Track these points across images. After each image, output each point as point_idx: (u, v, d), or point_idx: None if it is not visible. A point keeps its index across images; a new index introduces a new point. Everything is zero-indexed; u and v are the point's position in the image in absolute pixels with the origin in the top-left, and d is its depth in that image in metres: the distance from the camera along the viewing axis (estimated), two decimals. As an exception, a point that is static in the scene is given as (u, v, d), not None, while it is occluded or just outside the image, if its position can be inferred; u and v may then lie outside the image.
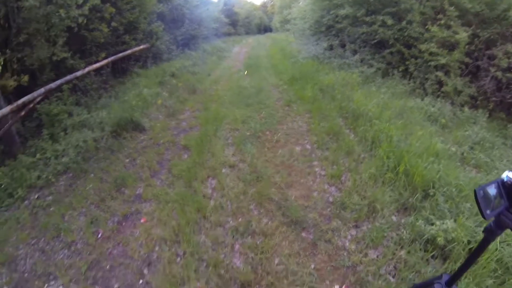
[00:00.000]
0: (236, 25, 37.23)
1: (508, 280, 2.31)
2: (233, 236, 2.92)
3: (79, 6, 6.09)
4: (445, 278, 1.39)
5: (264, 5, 60.87)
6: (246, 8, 44.65)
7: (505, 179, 1.16)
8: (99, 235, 3.06)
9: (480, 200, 1.08)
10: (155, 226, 3.09)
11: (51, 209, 3.49)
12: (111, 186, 3.83)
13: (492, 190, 1.13)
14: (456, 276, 1.36)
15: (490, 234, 1.20)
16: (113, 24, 8.17)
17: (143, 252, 2.78)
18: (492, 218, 1.15)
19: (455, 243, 2.54)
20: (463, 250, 2.51)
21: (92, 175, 4.14)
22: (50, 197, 3.71)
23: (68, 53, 6.22)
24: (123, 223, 3.21)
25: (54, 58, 5.83)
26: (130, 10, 9.17)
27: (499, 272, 2.34)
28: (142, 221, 3.19)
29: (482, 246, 1.26)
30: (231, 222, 3.12)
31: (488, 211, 1.09)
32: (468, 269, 1.38)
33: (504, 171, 3.49)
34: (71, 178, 4.11)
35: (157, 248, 2.82)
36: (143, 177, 4.03)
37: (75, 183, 3.98)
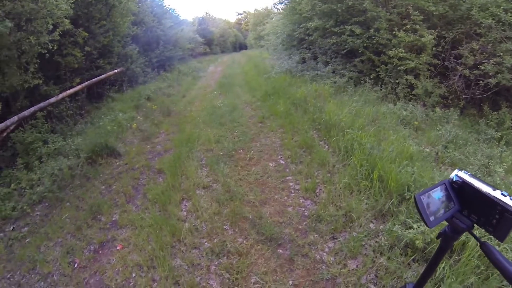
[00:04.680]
0: (212, 44, 37.54)
1: (491, 275, 2.30)
2: (209, 258, 2.95)
3: (50, 32, 6.10)
4: (409, 287, 1.38)
5: (238, 22, 61.80)
6: (221, 27, 45.05)
7: (454, 179, 1.10)
8: (76, 265, 3.08)
9: (422, 207, 1.01)
10: (131, 252, 3.13)
11: (27, 240, 3.50)
12: (87, 214, 3.86)
13: (437, 194, 1.05)
14: (418, 285, 1.32)
15: (446, 240, 1.15)
16: (87, 48, 8.19)
17: (119, 280, 2.81)
18: (445, 223, 1.11)
19: (435, 244, 2.54)
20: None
21: (68, 203, 4.16)
22: (26, 228, 3.72)
23: (41, 80, 6.21)
24: (100, 251, 3.24)
25: (26, 85, 5.81)
26: (104, 33, 9.20)
27: (482, 268, 2.35)
28: (118, 248, 3.23)
29: (440, 254, 1.21)
30: (206, 243, 3.16)
31: (432, 218, 1.01)
32: (430, 277, 1.32)
33: (478, 166, 3.60)
34: (47, 207, 4.12)
35: (133, 275, 2.85)
36: (118, 203, 4.07)
37: (51, 213, 3.99)
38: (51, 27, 6.07)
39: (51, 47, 6.10)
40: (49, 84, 6.81)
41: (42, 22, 5.86)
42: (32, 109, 5.69)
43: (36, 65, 6.07)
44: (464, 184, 1.06)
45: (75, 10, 7.32)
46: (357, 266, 2.71)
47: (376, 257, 2.74)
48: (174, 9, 26.13)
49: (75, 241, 3.42)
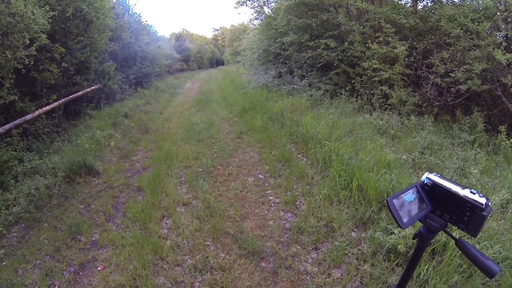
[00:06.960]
0: (189, 60, 37.64)
1: (475, 272, 2.39)
2: (192, 274, 2.94)
3: (26, 47, 6.03)
4: None
5: (215, 38, 62.22)
6: (198, 43, 45.34)
7: (425, 181, 1.14)
8: None
9: (395, 209, 1.05)
10: (113, 272, 3.08)
11: (3, 263, 3.40)
12: (66, 234, 3.78)
13: (409, 197, 1.10)
14: (400, 285, 1.36)
15: (422, 240, 1.19)
16: (64, 64, 8.08)
17: (101, 301, 2.76)
18: (418, 225, 1.18)
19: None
20: (426, 252, 2.58)
21: (45, 224, 4.06)
22: (2, 251, 3.61)
23: (16, 96, 6.10)
24: (80, 273, 3.18)
25: (2, 101, 5.71)
26: (81, 49, 9.13)
27: (464, 266, 2.44)
28: (99, 268, 3.19)
29: (418, 253, 1.25)
30: (188, 260, 3.15)
31: (405, 219, 1.05)
32: (410, 277, 1.37)
33: (454, 169, 3.80)
34: (24, 228, 4.02)
35: (116, 295, 2.81)
36: (98, 223, 4.01)
37: (28, 234, 3.89)
38: (27, 41, 5.99)
39: (27, 62, 6.02)
40: (25, 101, 6.69)
41: (19, 36, 5.78)
42: (7, 126, 5.56)
43: (12, 81, 5.95)
44: (434, 186, 1.12)
45: (52, 25, 7.25)
46: (341, 274, 2.77)
47: (359, 264, 2.81)
48: (151, 25, 26.10)
49: (54, 263, 3.34)
